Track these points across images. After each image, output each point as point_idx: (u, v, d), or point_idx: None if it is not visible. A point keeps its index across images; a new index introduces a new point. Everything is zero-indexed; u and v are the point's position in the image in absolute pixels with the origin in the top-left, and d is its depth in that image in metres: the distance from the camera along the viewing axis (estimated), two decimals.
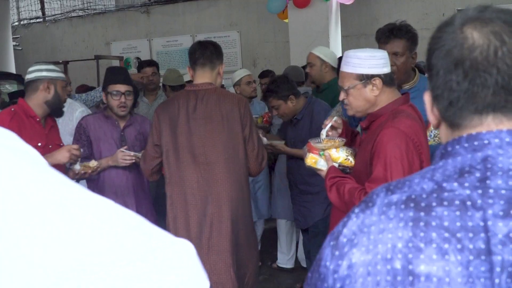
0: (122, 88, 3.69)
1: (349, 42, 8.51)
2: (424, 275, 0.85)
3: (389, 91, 2.54)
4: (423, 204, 0.90)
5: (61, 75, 3.50)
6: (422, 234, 0.87)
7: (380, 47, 3.16)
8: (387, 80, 2.51)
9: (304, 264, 5.12)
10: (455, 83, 0.95)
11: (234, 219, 3.21)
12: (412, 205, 0.91)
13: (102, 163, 3.59)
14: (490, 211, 0.86)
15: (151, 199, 4.01)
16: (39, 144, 3.34)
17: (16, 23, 12.39)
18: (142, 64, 5.95)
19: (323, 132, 2.71)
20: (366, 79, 2.49)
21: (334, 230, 1.00)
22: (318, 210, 4.06)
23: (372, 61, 2.48)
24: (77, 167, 3.45)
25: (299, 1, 6.99)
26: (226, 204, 3.18)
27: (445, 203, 0.89)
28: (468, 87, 0.93)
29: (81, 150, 3.44)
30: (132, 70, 9.99)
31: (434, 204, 0.89)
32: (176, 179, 3.23)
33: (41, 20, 12.14)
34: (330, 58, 4.76)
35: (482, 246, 0.84)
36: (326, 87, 4.62)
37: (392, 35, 3.17)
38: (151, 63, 6.04)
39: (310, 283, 0.99)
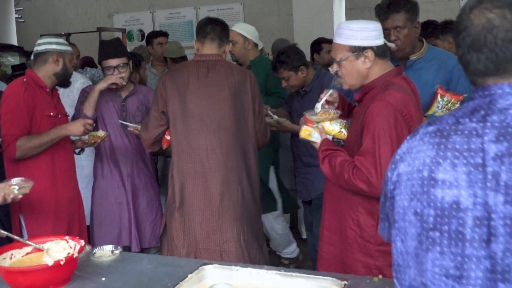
0: (114, 62, 3.72)
1: (353, 15, 8.42)
2: (441, 180, 1.30)
3: (382, 63, 2.53)
4: (445, 133, 1.34)
5: (69, 48, 3.53)
6: (441, 153, 1.32)
7: (381, 23, 3.11)
8: (379, 52, 2.51)
9: (304, 236, 5.14)
10: (463, 56, 1.38)
11: (243, 187, 3.24)
12: (438, 134, 1.36)
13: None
14: (486, 138, 1.27)
15: (153, 172, 4.03)
16: (51, 113, 3.41)
17: None
18: (157, 33, 6.04)
19: (318, 106, 2.71)
20: (358, 51, 2.50)
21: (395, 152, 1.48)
22: (322, 182, 4.04)
23: (364, 32, 2.48)
24: (86, 136, 3.48)
25: None
26: (236, 174, 3.20)
27: (459, 132, 1.32)
28: (469, 60, 1.36)
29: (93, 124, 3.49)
30: (135, 43, 9.95)
31: (452, 133, 1.33)
32: (184, 146, 3.23)
33: None
34: (253, 35, 4.65)
35: (480, 161, 1.26)
36: (251, 66, 4.55)
37: (391, 9, 3.15)
38: (163, 33, 6.16)
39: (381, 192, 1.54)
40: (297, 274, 2.20)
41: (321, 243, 2.75)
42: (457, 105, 3.27)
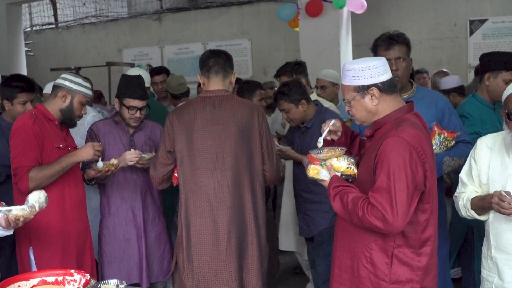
0: (139, 104, 3.71)
1: (360, 52, 8.48)
2: None
3: (390, 98, 2.55)
4: None
5: (84, 90, 3.48)
6: None
7: (381, 55, 3.22)
8: (385, 88, 2.53)
9: (309, 275, 5.05)
10: None
11: (252, 224, 3.21)
12: None
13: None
14: None
15: (161, 206, 4.01)
16: (60, 146, 3.41)
17: (29, 29, 12.50)
18: (151, 72, 5.92)
19: (320, 140, 2.73)
20: (363, 90, 2.53)
21: None
22: (323, 219, 4.04)
23: (366, 71, 2.51)
24: (100, 164, 3.49)
25: (311, 9, 6.99)
26: (243, 211, 3.19)
27: None
28: None
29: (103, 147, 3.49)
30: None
31: None
32: (191, 185, 3.21)
33: (54, 26, 12.24)
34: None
35: None
36: None
37: (393, 41, 3.31)
38: (160, 71, 6.01)
39: None
40: None
41: (331, 281, 2.72)
42: (453, 142, 3.35)
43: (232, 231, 3.15)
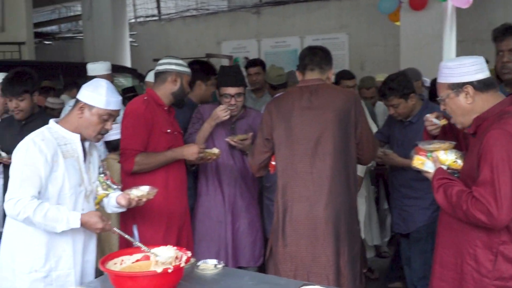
0: (232, 91, 3.80)
1: (464, 48, 8.20)
2: None
3: (487, 96, 2.48)
4: None
5: (188, 70, 3.66)
6: None
7: (496, 46, 3.17)
8: (480, 86, 2.47)
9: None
10: None
11: (347, 211, 3.21)
12: None
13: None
14: None
15: (255, 194, 4.07)
16: (168, 130, 3.54)
17: (133, 20, 13.03)
18: (247, 64, 6.05)
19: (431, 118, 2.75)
20: (457, 87, 2.49)
21: None
22: (422, 215, 3.92)
23: (461, 69, 2.47)
24: (201, 154, 3.59)
25: (415, 2, 6.82)
26: (340, 196, 3.19)
27: None
28: None
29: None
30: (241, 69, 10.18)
31: None
32: (289, 171, 3.25)
33: (157, 18, 12.69)
34: None
35: None
36: None
37: (508, 32, 3.16)
38: (255, 63, 6.09)
39: None
40: None
41: (432, 278, 2.68)
42: None
43: (330, 216, 3.16)
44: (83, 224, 2.58)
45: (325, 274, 3.14)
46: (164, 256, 2.44)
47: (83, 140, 2.74)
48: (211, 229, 3.90)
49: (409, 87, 3.89)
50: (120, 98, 2.76)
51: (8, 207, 2.53)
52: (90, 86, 2.70)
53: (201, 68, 4.33)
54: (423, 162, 2.61)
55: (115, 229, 2.68)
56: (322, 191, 3.17)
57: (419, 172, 2.69)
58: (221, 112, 3.71)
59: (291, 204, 3.22)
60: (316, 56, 3.32)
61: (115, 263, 2.52)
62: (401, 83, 3.87)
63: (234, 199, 3.90)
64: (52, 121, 2.74)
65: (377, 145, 3.43)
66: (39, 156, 2.55)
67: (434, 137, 2.81)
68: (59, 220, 2.53)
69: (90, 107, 2.67)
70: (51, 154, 2.58)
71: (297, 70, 3.41)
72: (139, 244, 2.57)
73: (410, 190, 3.96)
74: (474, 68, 2.47)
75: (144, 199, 2.83)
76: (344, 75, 5.32)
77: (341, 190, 3.20)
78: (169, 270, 2.28)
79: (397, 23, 7.52)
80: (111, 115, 2.71)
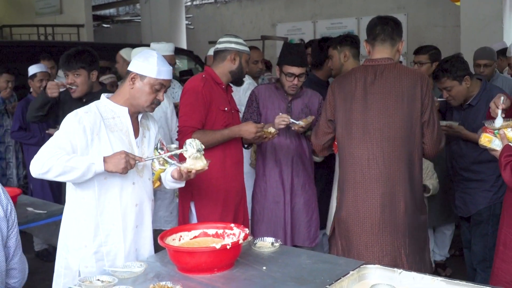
0: (297, 71, 3.78)
1: None
2: None
3: None
4: None
5: (247, 49, 3.67)
6: None
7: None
8: None
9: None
10: None
11: (406, 199, 3.09)
12: None
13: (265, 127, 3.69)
14: None
15: (312, 173, 4.07)
16: (226, 108, 3.57)
17: (189, 3, 13.13)
18: (305, 45, 6.01)
19: (498, 122, 2.60)
20: None
21: None
22: (483, 198, 3.85)
23: None
24: (258, 133, 3.58)
25: None
26: (399, 185, 3.08)
27: None
28: None
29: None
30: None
31: None
32: (346, 156, 3.20)
33: (213, 1, 12.74)
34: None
35: None
36: None
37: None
38: (310, 44, 6.09)
39: None
40: (465, 283, 2.10)
41: (495, 258, 2.64)
42: None
43: (386, 205, 3.08)
44: (106, 163, 2.49)
45: (394, 265, 3.07)
46: (191, 151, 2.58)
47: (134, 113, 2.74)
48: (268, 209, 3.95)
49: (463, 69, 3.79)
50: (171, 68, 2.75)
51: (33, 163, 2.49)
52: (141, 57, 2.69)
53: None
54: (490, 140, 2.57)
55: (144, 158, 2.64)
56: (378, 178, 3.08)
57: (479, 154, 2.63)
58: (279, 120, 3.65)
59: (347, 189, 3.18)
60: (387, 26, 3.19)
61: (173, 239, 2.57)
62: (455, 65, 3.78)
63: (291, 179, 3.93)
64: (103, 96, 2.76)
65: (442, 136, 3.25)
66: (77, 126, 2.55)
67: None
68: (83, 162, 2.47)
69: (142, 77, 2.66)
70: (90, 127, 2.56)
71: (366, 41, 3.28)
72: (169, 160, 2.71)
73: (472, 174, 3.89)
74: None
75: (194, 171, 2.69)
76: (417, 51, 5.14)
77: (401, 178, 3.10)
78: (228, 247, 2.30)
79: (457, 3, 7.31)
80: (163, 85, 2.70)
